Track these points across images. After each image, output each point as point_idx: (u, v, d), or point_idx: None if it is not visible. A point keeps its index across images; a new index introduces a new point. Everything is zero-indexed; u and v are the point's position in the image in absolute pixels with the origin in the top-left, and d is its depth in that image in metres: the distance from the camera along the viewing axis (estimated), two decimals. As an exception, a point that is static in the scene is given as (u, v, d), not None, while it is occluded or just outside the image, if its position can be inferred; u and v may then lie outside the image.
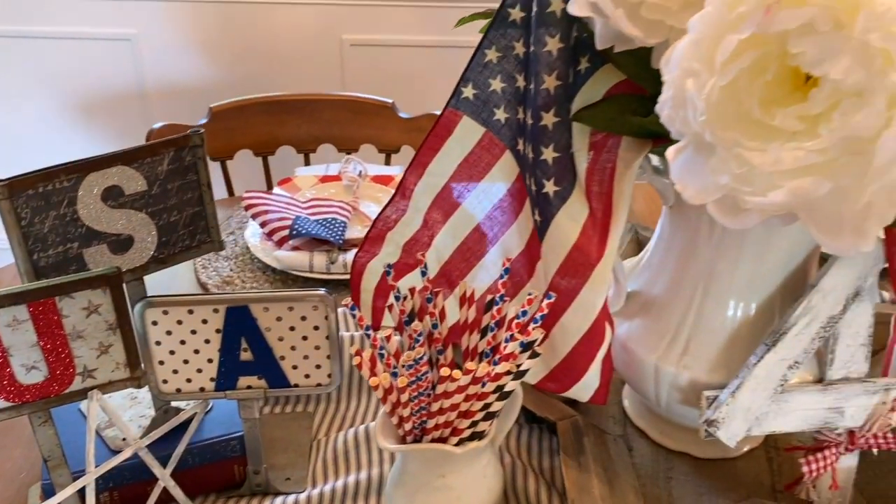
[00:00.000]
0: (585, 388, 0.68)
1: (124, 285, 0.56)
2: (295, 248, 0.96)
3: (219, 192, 1.18)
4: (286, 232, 0.96)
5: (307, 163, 1.35)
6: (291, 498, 0.67)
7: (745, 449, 0.73)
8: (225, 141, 1.29)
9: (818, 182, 0.37)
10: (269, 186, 1.31)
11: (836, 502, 0.67)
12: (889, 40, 0.35)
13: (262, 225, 0.99)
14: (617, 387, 0.80)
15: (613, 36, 0.48)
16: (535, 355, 0.57)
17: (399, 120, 1.31)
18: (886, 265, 0.58)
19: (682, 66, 0.40)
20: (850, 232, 0.41)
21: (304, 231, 0.96)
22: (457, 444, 0.59)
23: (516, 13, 0.57)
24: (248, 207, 1.02)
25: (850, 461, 0.66)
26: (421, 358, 0.54)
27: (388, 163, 1.34)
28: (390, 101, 1.33)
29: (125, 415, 0.69)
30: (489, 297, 0.61)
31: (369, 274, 0.68)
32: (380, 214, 0.66)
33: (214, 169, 1.23)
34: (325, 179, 1.13)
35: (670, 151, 0.43)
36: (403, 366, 0.54)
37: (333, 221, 0.98)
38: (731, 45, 0.38)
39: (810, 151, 0.37)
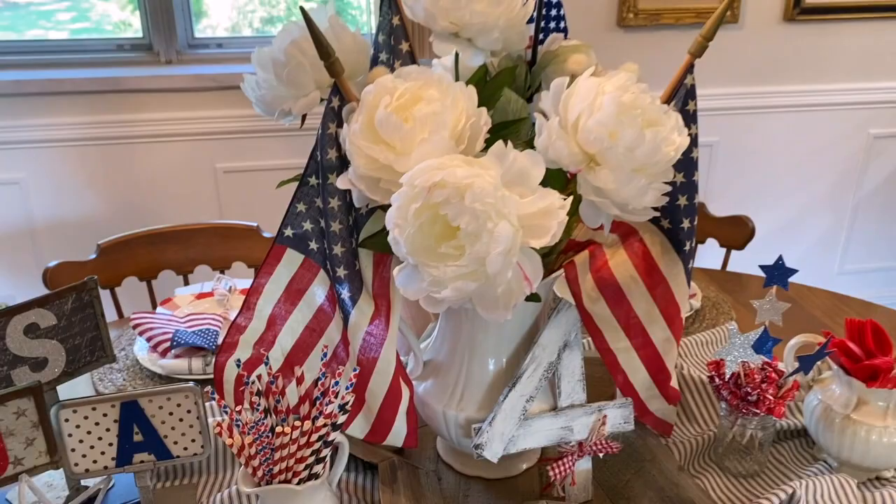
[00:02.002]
0: (397, 435, 0.94)
1: (44, 394, 0.78)
2: (176, 357, 1.18)
3: (110, 315, 1.39)
4: (168, 344, 1.18)
5: (186, 282, 1.57)
6: (181, 547, 0.88)
7: (524, 468, 1.00)
8: (113, 272, 1.50)
9: (466, 283, 0.65)
10: (154, 306, 1.52)
11: (581, 496, 0.94)
12: (486, 206, 0.63)
13: (148, 340, 1.21)
14: (434, 435, 1.06)
15: (365, 199, 0.76)
16: (346, 412, 0.82)
17: (264, 239, 1.57)
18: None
19: (392, 221, 0.68)
20: (502, 308, 0.69)
21: (182, 341, 1.18)
22: (298, 484, 0.82)
23: (313, 181, 0.84)
24: (135, 327, 1.23)
25: (585, 464, 0.93)
26: (260, 421, 0.78)
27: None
28: (255, 224, 1.58)
29: (43, 499, 0.89)
30: (317, 375, 0.86)
31: (229, 369, 0.92)
32: (232, 324, 0.91)
33: (105, 296, 1.45)
34: (201, 296, 1.36)
35: (395, 270, 0.70)
36: (249, 427, 0.77)
37: (207, 331, 1.21)
38: (413, 209, 0.66)
39: (459, 267, 0.65)
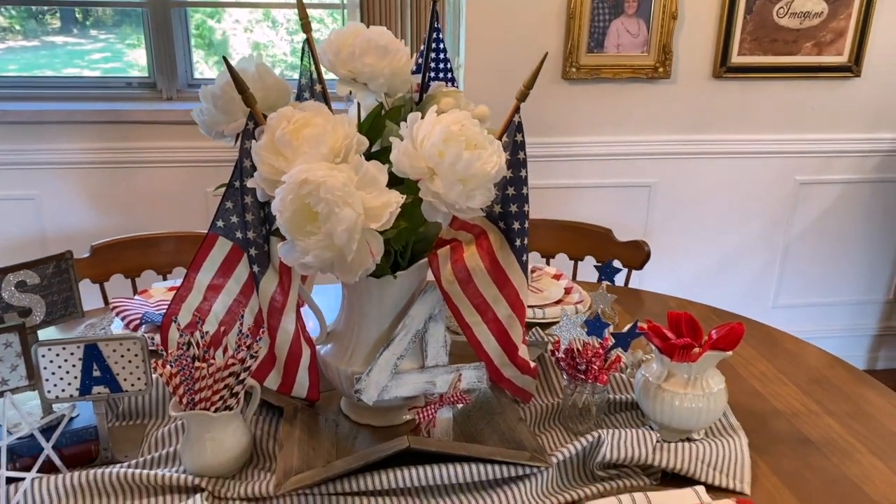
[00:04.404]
0: (300, 387, 1.20)
1: (27, 335, 1.05)
2: (145, 332, 1.45)
3: (97, 303, 1.67)
4: (138, 321, 1.46)
5: (165, 280, 1.85)
6: (126, 464, 1.14)
7: (406, 418, 1.25)
8: (102, 269, 1.78)
9: (323, 252, 0.93)
10: (136, 299, 1.80)
11: (444, 437, 1.19)
12: (335, 196, 0.91)
13: (123, 318, 1.48)
14: (340, 395, 1.32)
15: (265, 195, 1.04)
16: (253, 357, 1.09)
17: (232, 248, 1.85)
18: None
19: (276, 208, 0.96)
20: (353, 273, 0.96)
21: (150, 320, 1.45)
22: (214, 412, 1.08)
23: (237, 184, 1.12)
24: (113, 308, 1.51)
25: (446, 414, 1.18)
26: (180, 357, 1.04)
27: (225, 278, 1.86)
28: (226, 235, 1.86)
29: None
30: (238, 332, 1.13)
31: (173, 328, 1.19)
32: (175, 295, 1.18)
33: (95, 289, 1.73)
34: (172, 289, 1.64)
35: (279, 244, 0.98)
36: (174, 361, 1.04)
37: (171, 313, 1.48)
38: (289, 199, 0.94)
39: (318, 240, 0.92)
